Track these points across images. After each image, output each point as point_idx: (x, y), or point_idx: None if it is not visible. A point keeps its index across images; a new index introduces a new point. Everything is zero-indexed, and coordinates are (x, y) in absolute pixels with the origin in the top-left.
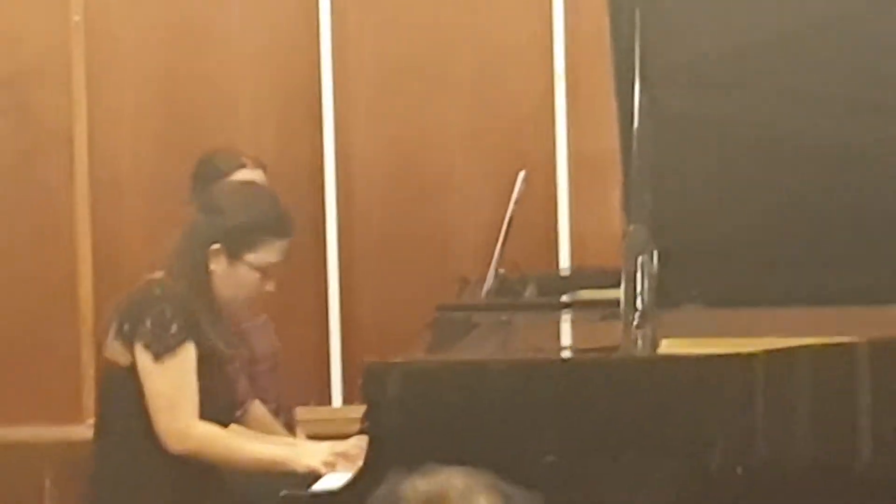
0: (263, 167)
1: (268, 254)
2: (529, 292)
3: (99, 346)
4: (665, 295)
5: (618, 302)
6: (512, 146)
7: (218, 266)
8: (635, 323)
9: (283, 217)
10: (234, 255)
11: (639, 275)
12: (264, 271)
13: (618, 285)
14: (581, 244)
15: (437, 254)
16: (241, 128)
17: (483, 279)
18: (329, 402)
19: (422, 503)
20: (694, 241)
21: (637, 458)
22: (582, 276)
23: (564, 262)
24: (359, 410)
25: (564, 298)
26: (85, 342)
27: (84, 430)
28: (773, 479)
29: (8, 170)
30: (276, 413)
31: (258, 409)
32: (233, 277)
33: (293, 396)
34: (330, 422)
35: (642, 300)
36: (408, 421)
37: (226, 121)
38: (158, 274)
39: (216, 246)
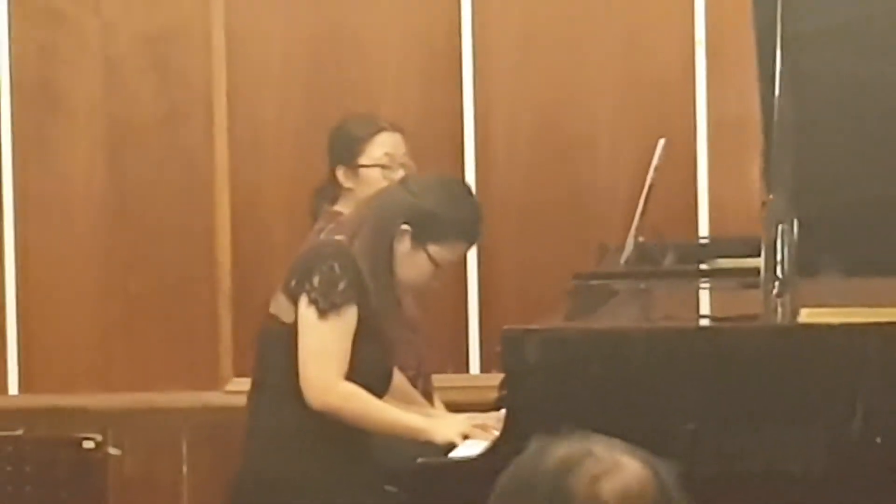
0: (401, 130)
1: (450, 252)
2: (668, 260)
3: (238, 312)
4: (803, 263)
5: (758, 271)
6: (653, 112)
7: (400, 246)
8: (775, 291)
9: (477, 223)
10: (419, 240)
11: (779, 243)
12: (438, 267)
13: (756, 254)
14: (720, 212)
15: (576, 219)
16: (384, 89)
17: (622, 246)
18: (466, 369)
19: (561, 468)
20: (833, 209)
21: (777, 427)
22: (720, 245)
23: (703, 230)
24: (496, 378)
25: (703, 267)
26: (223, 308)
27: (221, 396)
28: None
29: (148, 130)
30: (414, 380)
31: (396, 376)
32: (409, 261)
33: (431, 364)
34: (467, 390)
35: (783, 269)
36: (546, 388)
37: (368, 82)
38: (337, 236)
39: (405, 226)
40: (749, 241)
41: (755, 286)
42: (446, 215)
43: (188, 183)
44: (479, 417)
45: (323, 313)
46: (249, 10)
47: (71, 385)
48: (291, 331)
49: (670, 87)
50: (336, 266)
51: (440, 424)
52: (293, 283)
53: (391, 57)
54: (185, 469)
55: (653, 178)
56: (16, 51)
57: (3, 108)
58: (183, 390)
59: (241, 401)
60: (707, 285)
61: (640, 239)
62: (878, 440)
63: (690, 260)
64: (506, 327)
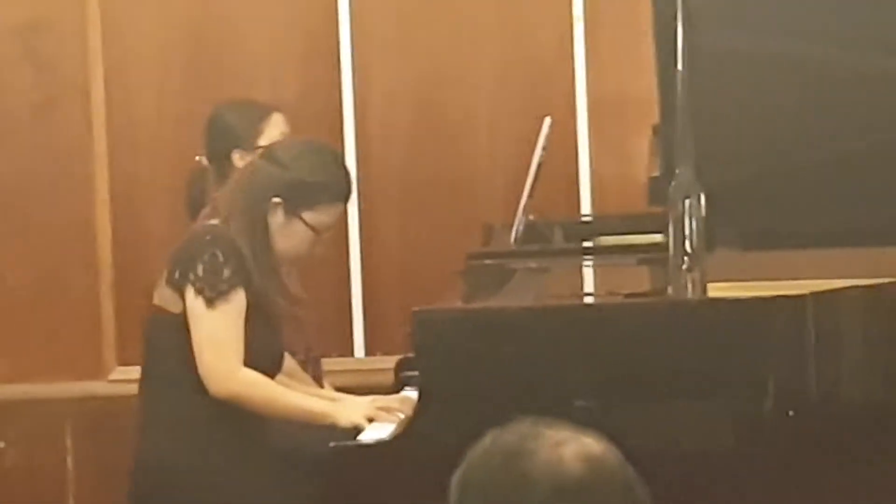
0: (279, 110)
1: (325, 215)
2: (556, 238)
3: (120, 300)
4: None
5: (651, 246)
6: (532, 90)
7: (274, 219)
8: (685, 266)
9: (346, 181)
10: (292, 210)
11: (686, 217)
12: (318, 231)
13: (639, 231)
14: (602, 190)
15: (457, 199)
16: (261, 72)
17: (507, 226)
18: (351, 352)
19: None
20: (731, 184)
21: (690, 402)
22: (603, 222)
23: (585, 208)
24: (381, 361)
25: (596, 244)
26: (104, 297)
27: (105, 386)
28: (824, 421)
29: (24, 121)
30: (303, 365)
31: (287, 361)
32: (287, 232)
33: (319, 347)
34: (353, 373)
35: (691, 243)
36: (458, 368)
37: (245, 66)
38: (212, 220)
39: (276, 199)
40: (631, 218)
41: (651, 262)
42: (315, 180)
43: (66, 173)
44: (382, 399)
45: (210, 302)
46: None
47: None
48: (180, 320)
49: (550, 64)
50: (218, 253)
51: (344, 408)
52: (177, 274)
53: (267, 39)
54: (69, 460)
55: (541, 157)
56: None
57: None
58: (66, 381)
59: (125, 390)
60: (602, 262)
61: (531, 217)
62: (790, 413)
63: (576, 238)
64: (416, 308)
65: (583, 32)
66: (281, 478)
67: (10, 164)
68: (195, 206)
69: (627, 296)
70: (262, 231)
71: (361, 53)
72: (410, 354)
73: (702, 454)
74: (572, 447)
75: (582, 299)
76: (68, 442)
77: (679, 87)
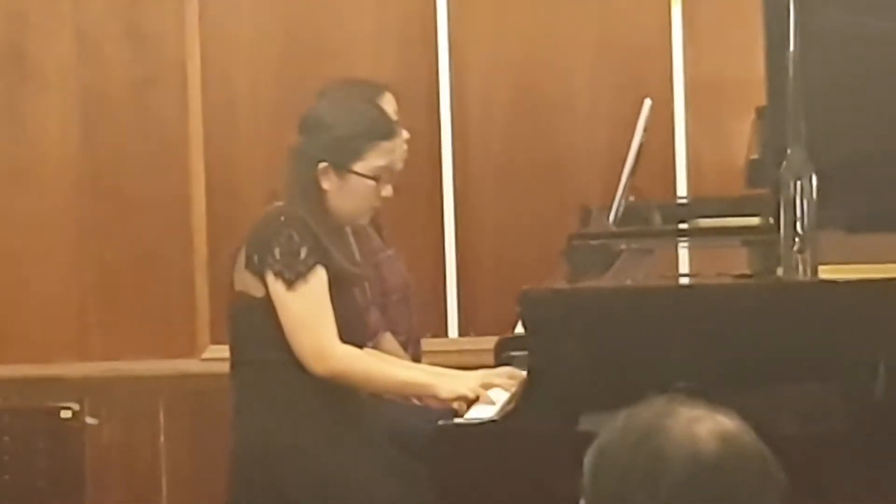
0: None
1: (375, 158)
2: (654, 221)
3: (215, 280)
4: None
5: (755, 228)
6: (630, 73)
7: (329, 183)
8: (796, 247)
9: (380, 118)
10: (341, 167)
11: (797, 198)
12: (377, 177)
13: (737, 214)
14: (698, 173)
15: (553, 181)
16: (359, 52)
17: (605, 207)
18: (445, 333)
19: (655, 420)
20: (840, 165)
21: (798, 385)
22: (700, 205)
23: (681, 190)
24: (475, 342)
25: (702, 225)
26: (199, 276)
27: (198, 364)
28: None
29: (121, 98)
30: (405, 345)
31: (389, 341)
32: (347, 191)
33: (419, 329)
34: (446, 353)
35: (802, 224)
36: (568, 348)
37: (343, 45)
38: (278, 204)
39: (323, 164)
40: (728, 201)
41: (755, 245)
42: (350, 131)
43: (162, 151)
44: (490, 373)
45: (291, 284)
46: None
47: (47, 355)
48: (264, 303)
49: (647, 46)
50: (294, 234)
51: (448, 380)
52: (255, 258)
53: (366, 20)
54: (162, 437)
55: (642, 138)
56: None
57: None
58: (159, 358)
59: (218, 368)
60: (706, 244)
61: (631, 199)
62: None
63: (674, 220)
64: (525, 287)
65: (681, 14)
66: (381, 457)
67: (107, 140)
68: None
69: (737, 277)
70: (319, 204)
71: (459, 36)
72: (509, 335)
73: (809, 438)
74: (707, 424)
75: (693, 280)
76: (161, 419)
77: (791, 68)
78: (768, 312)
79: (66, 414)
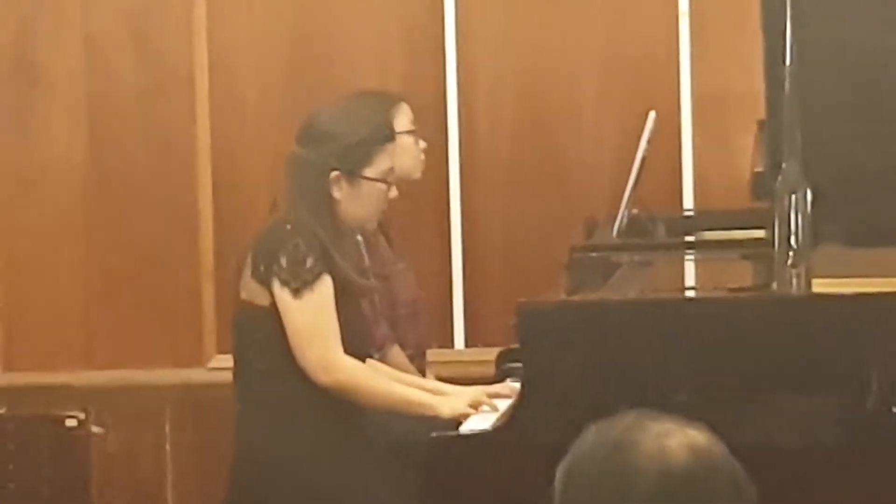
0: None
1: (383, 161)
2: (659, 233)
3: (221, 289)
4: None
5: (757, 242)
6: (636, 84)
7: (341, 191)
8: (790, 262)
9: (385, 121)
10: (353, 174)
11: (792, 213)
12: (386, 180)
13: (742, 226)
14: (704, 185)
15: (559, 191)
16: (366, 60)
17: (610, 219)
18: (451, 344)
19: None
20: (837, 179)
21: (792, 397)
22: (706, 218)
23: (687, 203)
24: (482, 353)
25: (703, 238)
26: (205, 285)
27: (204, 374)
28: None
29: (129, 105)
30: (412, 359)
31: (397, 354)
32: (359, 196)
33: (426, 341)
34: (452, 364)
35: (797, 238)
36: (562, 360)
37: (350, 53)
38: (283, 213)
39: (335, 173)
40: (734, 213)
41: (754, 257)
42: (358, 137)
43: (169, 158)
44: (488, 389)
45: (297, 293)
46: None
47: (53, 362)
48: (269, 312)
49: (654, 58)
50: (300, 243)
51: (447, 399)
52: (261, 267)
53: (373, 28)
54: (168, 446)
55: (646, 151)
56: None
57: None
58: (166, 367)
59: (224, 377)
60: (706, 257)
61: (635, 211)
62: (894, 409)
63: (679, 232)
64: (521, 300)
65: (688, 27)
66: (380, 468)
67: (114, 149)
68: None
69: (731, 290)
70: (328, 214)
71: (466, 46)
72: (512, 346)
73: (803, 450)
74: (678, 438)
75: (686, 293)
76: (167, 428)
77: (787, 82)
78: (761, 326)
79: (71, 422)
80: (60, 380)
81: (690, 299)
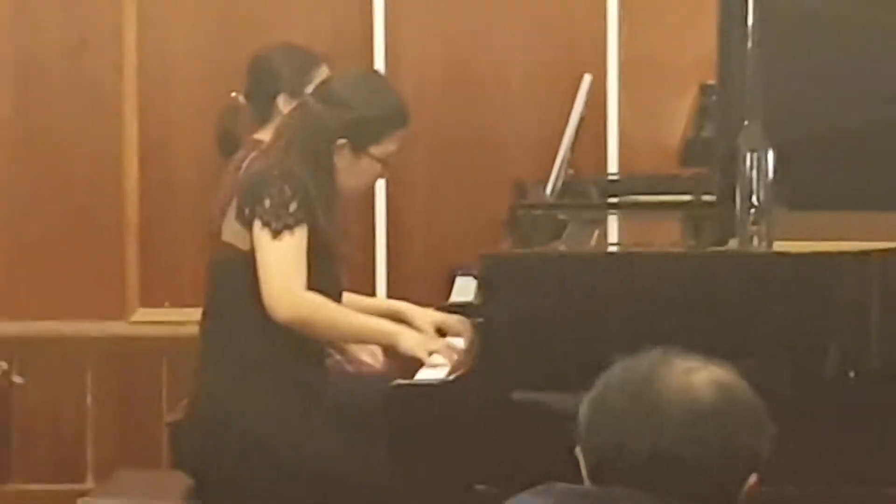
0: (327, 61)
1: (391, 144)
2: (591, 195)
3: (145, 243)
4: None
5: (699, 204)
6: (565, 49)
7: (342, 160)
8: (751, 219)
9: (405, 107)
10: (359, 148)
11: (753, 172)
12: (385, 161)
13: (667, 191)
14: (630, 150)
15: (486, 156)
16: (294, 19)
17: (539, 182)
18: None
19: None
20: (786, 143)
21: (750, 358)
22: (633, 182)
23: (612, 167)
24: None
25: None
26: (130, 238)
27: (126, 327)
28: (884, 383)
29: (55, 60)
30: None
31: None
32: (356, 170)
33: None
34: None
35: (758, 198)
36: (524, 312)
37: (278, 11)
38: (271, 149)
39: (342, 141)
40: (659, 178)
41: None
42: (376, 114)
43: (96, 113)
44: (435, 342)
45: (277, 233)
46: None
47: None
48: (248, 258)
49: (582, 23)
50: (286, 188)
51: (408, 333)
52: (246, 210)
53: None
54: (89, 398)
55: (582, 113)
56: None
57: None
58: (89, 320)
59: (147, 331)
60: (652, 217)
61: (570, 172)
62: (851, 374)
63: (609, 195)
64: (483, 252)
65: None
66: (340, 420)
67: (41, 102)
68: (228, 143)
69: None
70: (327, 175)
71: (393, 9)
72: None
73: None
74: (703, 373)
75: (654, 248)
76: (89, 381)
77: (749, 43)
78: (723, 283)
79: None
80: None
81: (653, 254)
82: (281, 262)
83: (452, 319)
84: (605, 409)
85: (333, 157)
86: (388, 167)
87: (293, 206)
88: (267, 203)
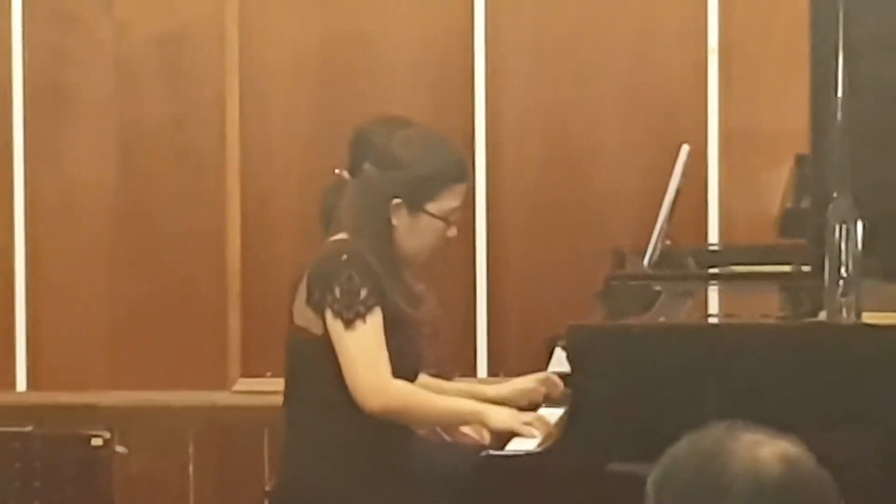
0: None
1: (449, 200)
2: (688, 265)
3: (247, 313)
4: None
5: (794, 275)
6: (664, 119)
7: (400, 220)
8: (840, 291)
9: (461, 161)
10: (415, 206)
11: (843, 243)
12: (446, 218)
13: (769, 262)
14: (729, 220)
15: (584, 225)
16: (394, 92)
17: (636, 251)
18: (474, 373)
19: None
20: (883, 215)
21: (839, 428)
22: (733, 252)
23: (713, 237)
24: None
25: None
26: (231, 309)
27: (228, 396)
28: None
29: (159, 132)
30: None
31: (420, 376)
32: (416, 229)
33: (451, 366)
34: None
35: (846, 269)
36: (613, 384)
37: (379, 85)
38: (341, 235)
39: (397, 200)
40: (759, 249)
41: (795, 290)
42: (429, 170)
43: (199, 185)
44: (526, 415)
45: (349, 323)
46: (262, 13)
47: (80, 382)
48: (323, 342)
49: (682, 94)
50: (354, 274)
51: (495, 410)
52: (316, 295)
53: (402, 60)
54: (191, 468)
55: (680, 183)
56: (28, 53)
57: (15, 109)
58: (190, 390)
59: (248, 401)
60: (746, 288)
61: (668, 243)
62: None
63: (707, 266)
64: (570, 323)
65: (717, 63)
66: (430, 491)
67: (144, 174)
68: (331, 220)
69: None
70: (387, 240)
71: (495, 78)
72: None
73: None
74: (770, 448)
75: (741, 320)
76: (191, 450)
77: (839, 114)
78: (812, 355)
79: (96, 441)
80: (87, 399)
81: (743, 325)
82: (362, 352)
83: (532, 416)
84: (671, 481)
85: (391, 219)
86: (451, 225)
87: (363, 293)
88: (337, 292)
